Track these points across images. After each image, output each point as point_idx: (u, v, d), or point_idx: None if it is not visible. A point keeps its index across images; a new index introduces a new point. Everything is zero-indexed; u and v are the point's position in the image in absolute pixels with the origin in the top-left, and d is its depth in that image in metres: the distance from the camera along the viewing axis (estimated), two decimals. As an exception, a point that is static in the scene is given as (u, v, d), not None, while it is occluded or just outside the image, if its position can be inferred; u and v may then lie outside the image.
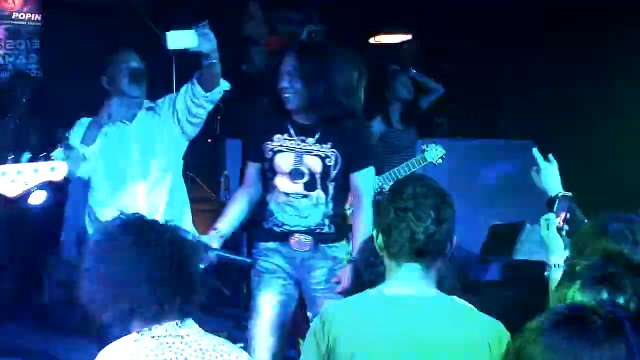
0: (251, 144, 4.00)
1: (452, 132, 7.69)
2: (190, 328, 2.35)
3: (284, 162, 3.86)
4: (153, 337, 2.29)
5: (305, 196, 3.88)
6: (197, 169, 6.85)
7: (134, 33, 6.78)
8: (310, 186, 3.88)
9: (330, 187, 3.90)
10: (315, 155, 3.87)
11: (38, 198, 3.52)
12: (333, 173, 3.87)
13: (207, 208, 6.50)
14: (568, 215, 3.13)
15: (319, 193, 3.89)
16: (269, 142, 3.87)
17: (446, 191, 2.53)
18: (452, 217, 2.48)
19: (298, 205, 3.88)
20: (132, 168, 4.05)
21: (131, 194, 4.02)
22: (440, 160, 5.53)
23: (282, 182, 3.88)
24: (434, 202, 2.45)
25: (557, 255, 3.06)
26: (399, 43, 8.36)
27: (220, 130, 7.36)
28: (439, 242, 2.46)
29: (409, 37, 8.24)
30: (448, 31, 7.89)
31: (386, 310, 2.46)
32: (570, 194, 3.24)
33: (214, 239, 3.82)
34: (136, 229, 2.39)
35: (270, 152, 3.87)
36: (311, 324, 2.56)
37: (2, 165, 2.93)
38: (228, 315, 5.96)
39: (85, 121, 4.10)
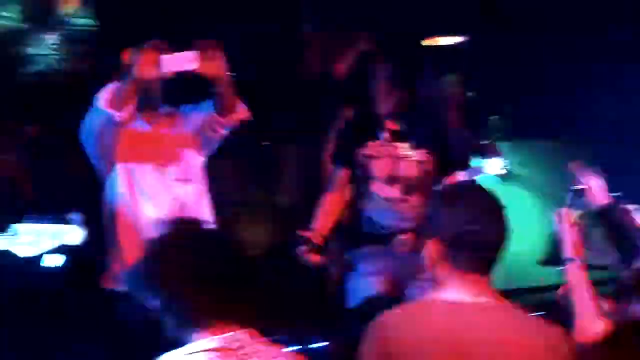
0: (342, 150, 3.98)
1: (513, 135, 7.60)
2: (248, 338, 2.27)
3: (380, 168, 3.88)
4: (207, 350, 2.19)
5: (404, 200, 3.91)
6: (253, 172, 6.87)
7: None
8: (407, 191, 3.90)
9: (425, 190, 3.93)
10: (411, 160, 3.89)
11: (54, 261, 3.59)
12: (428, 178, 3.91)
13: (262, 211, 6.51)
14: (583, 210, 3.13)
15: (416, 197, 3.92)
16: (363, 149, 3.88)
17: (500, 198, 2.53)
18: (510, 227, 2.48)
19: (399, 209, 3.90)
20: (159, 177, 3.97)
21: (157, 203, 3.95)
22: (500, 171, 5.52)
23: (379, 188, 3.89)
24: (498, 215, 2.45)
25: (572, 249, 3.06)
26: (453, 45, 8.30)
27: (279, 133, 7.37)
28: (501, 253, 2.48)
29: (464, 38, 8.18)
30: (504, 32, 7.80)
31: (446, 316, 2.43)
32: (583, 187, 3.23)
33: (317, 238, 3.85)
34: (194, 234, 2.34)
35: (364, 158, 3.87)
36: (369, 329, 2.54)
37: (18, 225, 2.95)
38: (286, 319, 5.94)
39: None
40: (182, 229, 2.38)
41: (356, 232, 3.96)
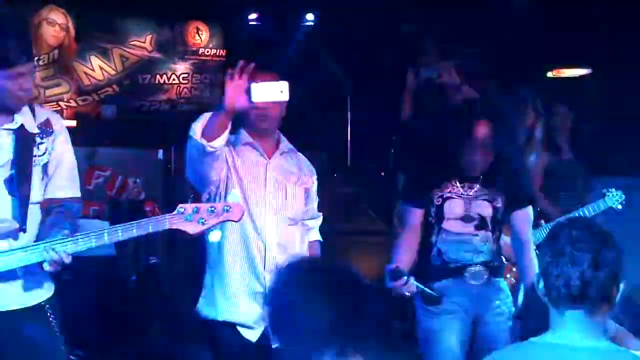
0: (418, 191, 4.02)
1: (633, 170, 7.41)
2: None
3: (455, 208, 3.92)
4: None
5: (475, 235, 3.94)
6: (370, 201, 6.93)
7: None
8: (480, 228, 3.94)
9: (497, 227, 3.99)
10: (483, 200, 3.94)
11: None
12: (500, 214, 3.96)
13: (379, 240, 6.55)
14: None
15: (488, 233, 3.96)
16: (438, 190, 3.94)
17: (609, 234, 2.42)
18: (616, 261, 2.38)
19: (472, 241, 3.94)
20: None
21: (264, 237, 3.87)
22: (620, 207, 5.43)
23: (452, 226, 3.93)
24: (592, 246, 2.35)
25: None
26: (578, 77, 8.22)
27: (393, 163, 7.44)
28: (597, 288, 2.36)
29: (588, 71, 8.09)
30: (630, 64, 7.67)
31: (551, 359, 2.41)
32: None
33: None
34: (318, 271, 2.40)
35: (439, 199, 3.93)
36: None
37: (181, 204, 3.11)
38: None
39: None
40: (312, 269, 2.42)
41: (427, 266, 3.93)
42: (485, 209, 3.96)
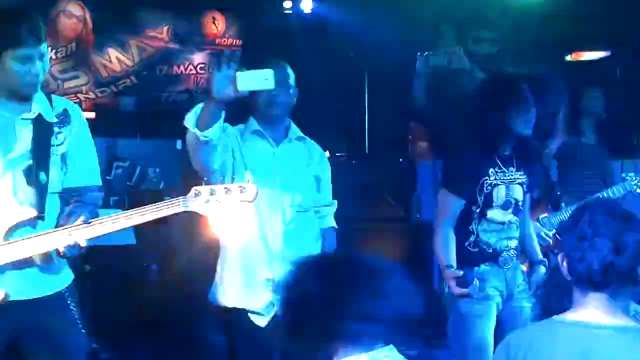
0: (466, 180, 3.96)
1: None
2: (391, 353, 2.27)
3: (500, 194, 3.92)
4: None
5: (511, 222, 3.95)
6: (390, 189, 6.93)
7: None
8: (515, 213, 3.95)
9: (523, 210, 4.00)
10: (517, 183, 3.95)
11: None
12: (528, 197, 3.97)
13: (397, 227, 6.55)
14: None
15: (518, 217, 3.97)
16: (487, 177, 3.91)
17: (632, 216, 2.42)
18: (639, 244, 2.37)
19: (507, 229, 3.94)
20: None
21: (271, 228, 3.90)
22: (638, 190, 5.39)
23: (494, 214, 3.93)
24: (613, 231, 2.36)
25: None
26: (596, 60, 8.17)
27: (411, 151, 7.44)
28: (619, 273, 2.37)
29: (607, 53, 8.04)
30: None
31: (573, 338, 2.40)
32: None
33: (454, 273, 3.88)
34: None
35: (489, 187, 3.91)
36: (496, 350, 2.57)
37: (195, 187, 3.10)
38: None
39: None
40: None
41: (464, 252, 3.91)
42: (518, 192, 3.97)
